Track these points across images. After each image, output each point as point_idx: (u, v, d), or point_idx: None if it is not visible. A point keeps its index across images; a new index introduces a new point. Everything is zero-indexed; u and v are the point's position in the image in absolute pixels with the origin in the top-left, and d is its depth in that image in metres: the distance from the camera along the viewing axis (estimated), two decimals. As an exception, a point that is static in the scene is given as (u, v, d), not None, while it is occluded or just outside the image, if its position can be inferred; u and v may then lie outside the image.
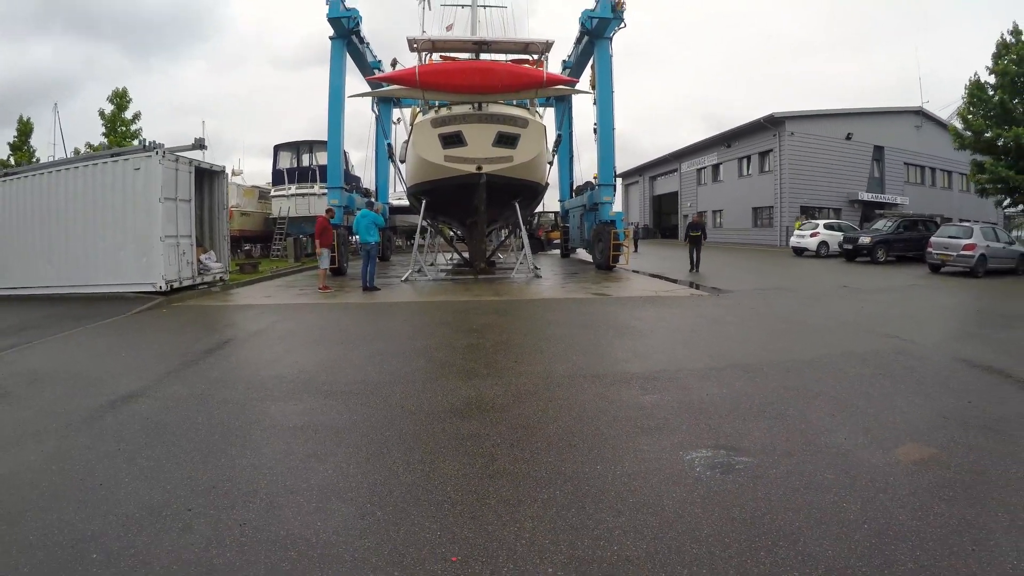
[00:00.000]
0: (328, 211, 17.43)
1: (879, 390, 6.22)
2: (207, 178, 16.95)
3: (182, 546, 3.36)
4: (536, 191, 20.47)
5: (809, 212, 38.03)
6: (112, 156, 16.37)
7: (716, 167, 48.72)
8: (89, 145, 33.76)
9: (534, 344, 9.40)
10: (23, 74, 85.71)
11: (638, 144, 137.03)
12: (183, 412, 5.93)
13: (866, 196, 40.35)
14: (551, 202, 34.80)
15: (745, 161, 44.62)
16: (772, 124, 39.62)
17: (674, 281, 17.25)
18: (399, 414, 5.68)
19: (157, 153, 14.63)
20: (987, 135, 26.51)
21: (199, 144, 16.06)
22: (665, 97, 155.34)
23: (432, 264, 22.29)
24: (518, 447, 4.79)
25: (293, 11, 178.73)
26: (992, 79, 26.65)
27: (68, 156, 32.08)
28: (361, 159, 30.33)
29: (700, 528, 3.45)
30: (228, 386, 6.86)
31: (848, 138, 40.35)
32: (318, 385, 6.78)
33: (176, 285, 14.95)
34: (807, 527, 3.42)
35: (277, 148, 33.17)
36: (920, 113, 43.63)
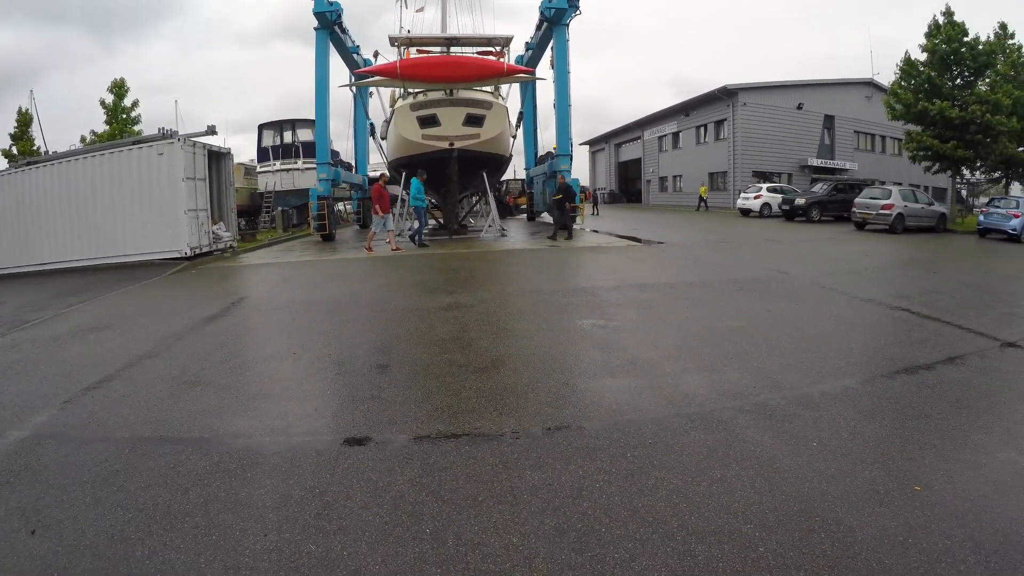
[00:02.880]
0: (383, 176, 19.23)
1: (732, 297, 9.28)
2: (215, 159, 19.52)
3: (295, 367, 6.32)
4: (501, 162, 23.36)
5: (765, 176, 40.69)
6: (134, 143, 18.89)
7: (676, 135, 51.54)
8: (94, 133, 35.86)
9: (495, 276, 12.46)
10: None
11: (609, 111, 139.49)
12: (259, 321, 8.92)
13: (816, 162, 43.28)
14: (520, 171, 37.51)
15: (702, 129, 47.49)
16: (726, 95, 42.42)
17: (619, 236, 20.04)
18: (407, 311, 8.84)
19: (178, 140, 17.27)
20: (916, 108, 28.83)
21: (211, 130, 18.72)
22: (635, 66, 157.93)
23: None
24: (481, 320, 7.92)
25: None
26: (923, 56, 29.22)
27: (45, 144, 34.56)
28: (335, 131, 32.39)
29: (574, 344, 6.59)
30: (282, 308, 9.81)
31: (799, 108, 43.13)
32: (347, 303, 9.83)
33: (198, 251, 17.62)
34: (635, 346, 6.49)
35: (261, 127, 35.50)
36: (871, 84, 45.97)
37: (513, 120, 24.32)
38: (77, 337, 8.68)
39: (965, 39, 27.90)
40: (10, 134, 37.74)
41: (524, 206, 36.90)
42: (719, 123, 44.87)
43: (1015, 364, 6.07)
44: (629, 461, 3.83)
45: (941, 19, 28.68)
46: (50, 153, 23.27)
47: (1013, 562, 2.80)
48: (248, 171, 35.83)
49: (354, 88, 27.10)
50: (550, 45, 24.36)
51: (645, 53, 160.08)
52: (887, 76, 33.98)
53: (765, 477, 3.60)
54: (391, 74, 18.64)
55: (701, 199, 41.64)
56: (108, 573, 2.90)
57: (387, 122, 23.87)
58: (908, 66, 29.71)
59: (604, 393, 5.07)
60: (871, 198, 24.08)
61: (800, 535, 3.00)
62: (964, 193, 42.67)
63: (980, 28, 30.34)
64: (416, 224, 19.36)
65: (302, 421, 4.75)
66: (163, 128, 18.42)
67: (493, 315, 8.34)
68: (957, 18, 28.24)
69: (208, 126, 18.65)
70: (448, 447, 4.09)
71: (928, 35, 28.98)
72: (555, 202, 20.32)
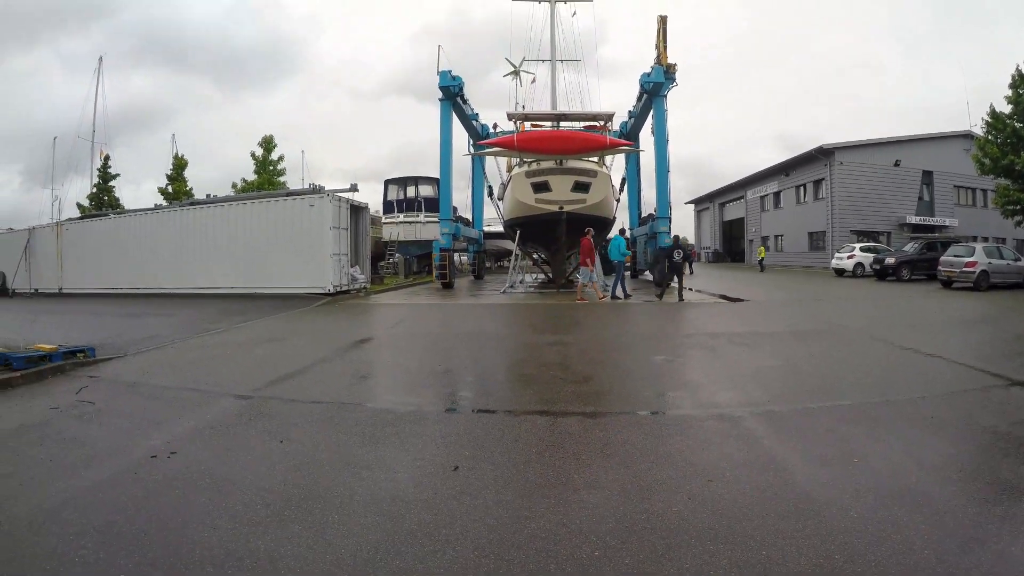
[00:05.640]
0: (587, 231, 20.11)
1: (784, 343, 11.07)
2: (355, 212, 22.77)
3: (442, 373, 8.68)
4: (605, 224, 25.79)
5: (872, 236, 40.92)
6: (288, 195, 22.44)
7: (777, 195, 52.60)
8: (244, 180, 40.93)
9: (593, 323, 14.58)
10: (120, 104, 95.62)
11: (715, 167, 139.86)
12: (405, 344, 11.48)
13: (915, 219, 43.09)
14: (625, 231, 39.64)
15: (801, 189, 48.38)
16: (823, 155, 43.32)
17: (708, 294, 21.67)
18: (522, 344, 11.34)
19: (327, 195, 20.51)
20: (1003, 162, 28.86)
21: (354, 188, 22.05)
22: (739, 120, 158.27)
23: (522, 281, 27.73)
24: (579, 352, 10.18)
25: (373, 48, 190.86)
26: (1008, 109, 29.06)
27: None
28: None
29: (644, 370, 8.66)
30: (421, 336, 12.46)
31: (896, 164, 43.42)
32: (473, 336, 12.32)
33: (339, 289, 20.69)
34: (689, 373, 8.53)
35: (387, 182, 39.59)
36: (968, 136, 44.03)
37: (617, 184, 26.88)
38: (259, 344, 11.41)
39: None
40: (167, 175, 43.53)
41: (627, 264, 38.74)
42: (817, 182, 45.59)
43: (1008, 397, 7.22)
44: (660, 430, 5.90)
45: None
46: (209, 196, 27.51)
47: (894, 507, 4.41)
48: (373, 221, 39.48)
49: (471, 150, 30.37)
50: (651, 113, 26.67)
51: (746, 106, 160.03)
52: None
53: (748, 445, 5.50)
54: (509, 146, 21.62)
55: (760, 260, 42.43)
56: (342, 458, 5.17)
57: (504, 186, 27.05)
58: (994, 119, 29.63)
59: (657, 399, 7.16)
60: (955, 256, 24.15)
61: (758, 472, 4.87)
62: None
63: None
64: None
65: (452, 401, 7.14)
66: (313, 183, 21.95)
67: (588, 349, 10.57)
68: None
69: (351, 184, 22.12)
70: (549, 417, 6.30)
71: (1012, 86, 28.79)
72: (671, 266, 20.06)
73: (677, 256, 19.92)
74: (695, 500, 4.29)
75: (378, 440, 5.63)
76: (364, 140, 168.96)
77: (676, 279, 19.94)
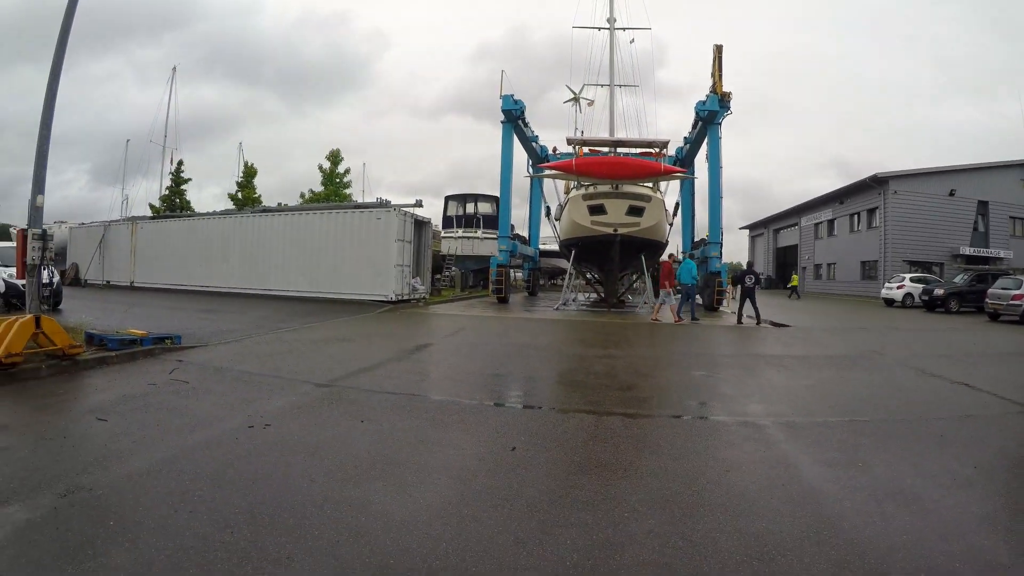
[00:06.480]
0: (671, 256, 21.89)
1: (818, 367, 11.70)
2: (419, 226, 24.10)
3: (501, 377, 9.63)
4: (657, 247, 26.61)
5: (925, 266, 40.47)
6: (356, 207, 23.82)
7: (831, 222, 52.32)
8: (312, 191, 42.93)
9: (642, 341, 15.45)
10: (186, 110, 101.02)
11: (770, 192, 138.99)
12: (464, 350, 12.51)
13: (969, 250, 42.12)
14: (679, 253, 40.16)
15: (855, 217, 48.08)
16: (877, 183, 43.06)
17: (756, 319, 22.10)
18: (573, 355, 12.24)
19: (394, 209, 21.79)
20: None
21: (418, 203, 23.38)
22: (796, 146, 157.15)
23: (575, 299, 28.64)
24: (626, 365, 11.02)
25: (433, 66, 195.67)
26: None
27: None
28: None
29: (684, 383, 9.48)
30: (480, 345, 13.48)
31: (951, 194, 42.59)
32: (528, 347, 13.29)
33: (400, 298, 21.92)
34: (724, 388, 9.27)
35: (447, 198, 41.09)
36: None
37: (671, 208, 27.69)
38: (330, 343, 12.60)
39: None
40: (237, 182, 45.96)
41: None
42: (871, 211, 45.25)
43: (1019, 421, 7.74)
44: (691, 431, 6.76)
45: None
46: (280, 204, 29.22)
47: (886, 502, 5.08)
48: (433, 235, 40.94)
49: (530, 171, 31.61)
50: (706, 140, 27.28)
51: (803, 132, 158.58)
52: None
53: (766, 447, 6.28)
54: (568, 170, 22.71)
55: (793, 288, 42.82)
56: (415, 436, 6.13)
57: (561, 207, 28.20)
58: None
59: (692, 407, 8.02)
60: (1003, 288, 23.86)
61: (770, 467, 5.65)
62: None
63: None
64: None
65: (510, 399, 8.18)
66: (380, 197, 23.37)
67: (635, 363, 11.43)
68: None
69: (416, 200, 23.43)
70: (595, 416, 7.21)
71: None
72: (744, 290, 20.99)
73: (748, 281, 20.82)
74: (713, 483, 5.11)
75: (446, 424, 6.63)
76: (422, 155, 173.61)
77: (748, 302, 20.56)
